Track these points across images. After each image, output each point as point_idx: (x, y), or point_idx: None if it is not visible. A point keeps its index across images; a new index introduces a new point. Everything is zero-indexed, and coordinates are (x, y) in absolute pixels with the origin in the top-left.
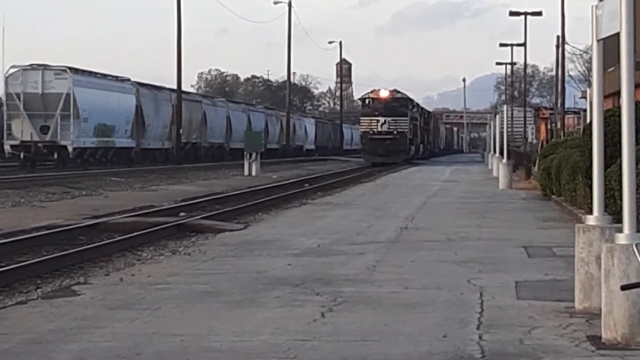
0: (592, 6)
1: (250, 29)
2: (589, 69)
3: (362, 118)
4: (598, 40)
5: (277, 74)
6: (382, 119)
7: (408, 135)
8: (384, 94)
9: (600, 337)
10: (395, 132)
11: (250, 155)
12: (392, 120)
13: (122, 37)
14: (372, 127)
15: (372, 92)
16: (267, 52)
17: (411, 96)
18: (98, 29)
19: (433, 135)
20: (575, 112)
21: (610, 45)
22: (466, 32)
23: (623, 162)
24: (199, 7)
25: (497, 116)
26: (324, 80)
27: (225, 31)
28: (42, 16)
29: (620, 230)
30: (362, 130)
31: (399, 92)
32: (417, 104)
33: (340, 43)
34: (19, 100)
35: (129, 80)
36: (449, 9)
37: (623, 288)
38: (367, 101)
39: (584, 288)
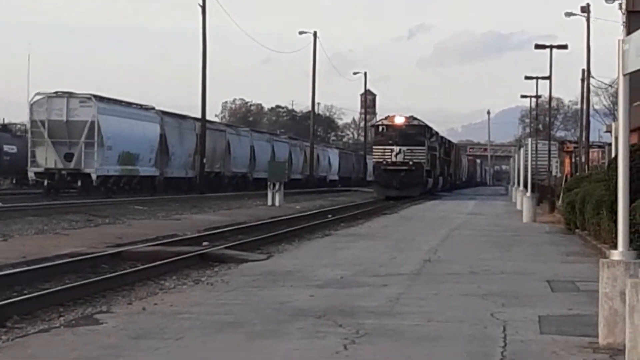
0: (619, 40)
1: (291, 58)
2: (614, 103)
3: (374, 147)
4: (625, 75)
5: (302, 104)
6: (396, 148)
7: (425, 166)
8: (399, 120)
9: None
10: (411, 162)
11: (274, 185)
12: (408, 149)
13: (148, 65)
14: (386, 157)
15: (386, 118)
16: (304, 82)
17: (434, 128)
18: (125, 57)
19: (454, 167)
20: (599, 146)
21: (635, 79)
22: (505, 65)
23: None
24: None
25: (522, 149)
26: (348, 111)
27: (269, 60)
28: (68, 44)
29: None
30: (375, 160)
31: (415, 118)
32: (437, 133)
33: (365, 74)
34: (44, 127)
35: (153, 108)
36: (494, 41)
37: None
38: (380, 128)
39: (608, 323)
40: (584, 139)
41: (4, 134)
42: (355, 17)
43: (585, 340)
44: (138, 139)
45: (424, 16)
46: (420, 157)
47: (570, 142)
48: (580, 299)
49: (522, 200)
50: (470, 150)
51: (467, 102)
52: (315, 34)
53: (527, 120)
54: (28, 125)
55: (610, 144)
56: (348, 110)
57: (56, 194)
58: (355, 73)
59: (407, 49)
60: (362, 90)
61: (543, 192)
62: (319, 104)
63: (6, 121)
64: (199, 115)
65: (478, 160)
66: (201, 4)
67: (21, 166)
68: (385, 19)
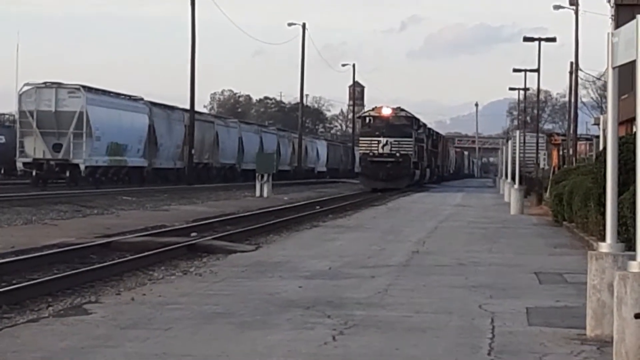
0: (609, 33)
1: (281, 50)
2: (602, 96)
3: (361, 138)
4: (614, 68)
5: (291, 96)
6: (383, 140)
7: (412, 158)
8: (386, 111)
9: None
10: (397, 154)
11: (262, 176)
12: (395, 141)
13: (137, 56)
14: (372, 148)
15: (373, 109)
16: (292, 74)
17: (423, 119)
18: (114, 48)
19: (442, 159)
20: (587, 139)
21: (624, 72)
22: (495, 57)
23: (637, 189)
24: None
25: (509, 141)
26: (337, 102)
27: (260, 52)
28: (57, 35)
29: (633, 258)
30: (361, 151)
31: (403, 110)
32: (424, 124)
33: (354, 66)
34: (32, 117)
35: (142, 99)
36: (485, 34)
37: (636, 316)
38: (367, 119)
39: (595, 315)
40: (571, 131)
41: None
42: (347, 8)
43: (573, 332)
44: (126, 130)
45: (415, 8)
46: (408, 149)
47: (558, 134)
48: (567, 291)
49: (510, 192)
50: (459, 142)
51: (456, 95)
52: (304, 25)
53: (515, 113)
54: (17, 116)
55: (598, 137)
56: (336, 102)
57: (44, 185)
58: (344, 65)
59: (397, 41)
60: (351, 82)
61: (531, 185)
62: (307, 95)
63: None
64: (187, 106)
65: (466, 153)
66: None
67: (9, 156)
68: (378, 10)
